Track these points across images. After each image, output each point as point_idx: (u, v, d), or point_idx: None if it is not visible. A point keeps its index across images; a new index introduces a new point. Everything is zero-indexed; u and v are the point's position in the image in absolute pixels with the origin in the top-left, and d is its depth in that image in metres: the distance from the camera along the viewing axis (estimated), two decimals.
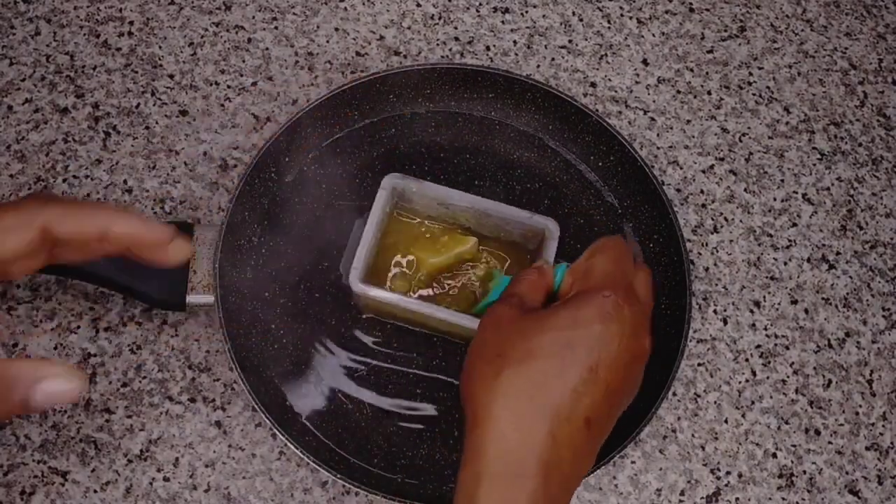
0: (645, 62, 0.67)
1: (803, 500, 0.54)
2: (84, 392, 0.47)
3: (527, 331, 0.40)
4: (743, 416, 0.55)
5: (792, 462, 0.55)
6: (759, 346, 0.58)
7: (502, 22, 0.67)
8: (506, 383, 0.38)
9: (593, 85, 0.65)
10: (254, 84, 0.63)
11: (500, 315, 0.42)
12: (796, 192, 0.63)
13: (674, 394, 0.56)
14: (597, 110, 0.64)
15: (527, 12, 0.68)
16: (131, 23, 0.64)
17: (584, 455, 0.39)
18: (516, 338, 0.40)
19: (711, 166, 0.63)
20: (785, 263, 0.61)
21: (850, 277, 0.61)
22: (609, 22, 0.68)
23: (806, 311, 0.59)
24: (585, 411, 0.38)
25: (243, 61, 0.63)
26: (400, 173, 0.54)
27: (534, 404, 0.38)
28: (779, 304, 0.59)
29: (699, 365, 0.57)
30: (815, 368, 0.57)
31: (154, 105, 0.61)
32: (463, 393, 0.40)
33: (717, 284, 0.59)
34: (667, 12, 0.70)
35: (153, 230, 0.40)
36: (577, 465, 0.39)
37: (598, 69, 0.66)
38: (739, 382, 0.56)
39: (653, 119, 0.65)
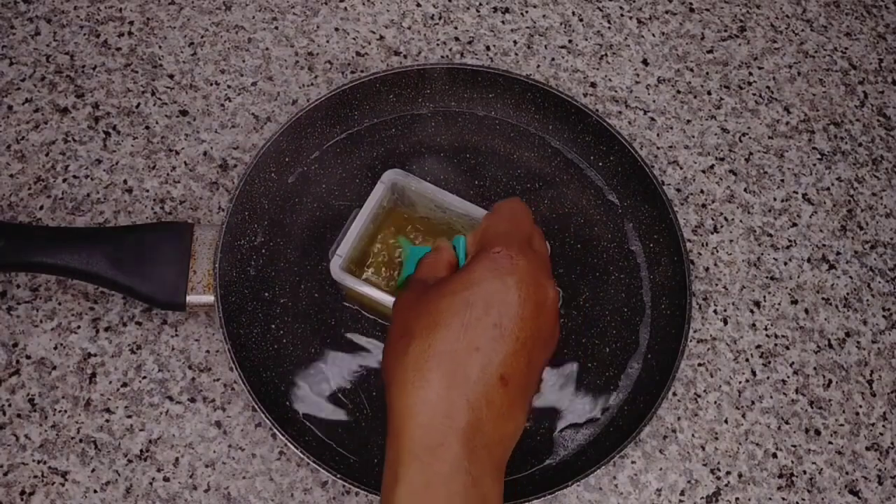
0: (645, 62, 0.67)
1: (803, 500, 0.54)
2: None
3: (428, 303, 0.40)
4: (743, 416, 0.55)
5: (792, 462, 0.55)
6: (759, 346, 0.58)
7: (502, 22, 0.67)
8: (413, 358, 0.38)
9: (593, 85, 0.65)
10: (254, 84, 0.63)
11: (406, 297, 0.42)
12: (796, 192, 0.63)
13: (674, 394, 0.56)
14: (597, 110, 0.64)
15: (527, 12, 0.68)
16: (131, 23, 0.64)
17: (506, 413, 0.38)
18: (420, 311, 0.40)
19: (711, 166, 0.63)
20: (785, 263, 0.61)
21: (851, 277, 0.61)
22: (609, 22, 0.68)
23: (806, 311, 0.59)
24: (498, 368, 0.38)
25: (243, 61, 0.64)
26: (402, 170, 0.54)
27: (441, 372, 0.37)
28: (779, 304, 0.59)
29: (699, 365, 0.57)
30: (815, 368, 0.57)
31: (154, 105, 0.61)
32: (383, 378, 0.40)
33: (717, 284, 0.59)
34: (667, 12, 0.70)
35: None
36: (500, 424, 0.38)
37: (598, 69, 0.66)
38: (739, 382, 0.56)
39: (653, 119, 0.65)
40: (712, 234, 0.61)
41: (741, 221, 0.62)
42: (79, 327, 0.54)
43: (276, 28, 0.65)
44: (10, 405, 0.52)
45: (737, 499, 0.53)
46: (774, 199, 0.63)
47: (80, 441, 0.51)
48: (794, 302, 0.59)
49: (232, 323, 0.52)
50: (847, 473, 0.55)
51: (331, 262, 0.51)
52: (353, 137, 0.60)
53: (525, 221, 0.44)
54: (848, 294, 0.60)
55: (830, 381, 0.57)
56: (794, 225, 0.62)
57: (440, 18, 0.67)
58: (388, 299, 0.50)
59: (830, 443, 0.55)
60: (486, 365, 0.38)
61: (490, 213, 0.45)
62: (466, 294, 0.39)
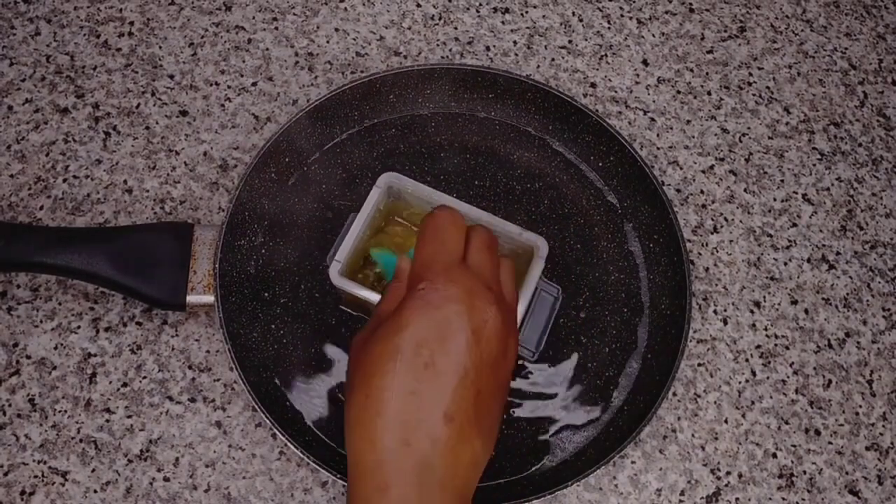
0: (645, 62, 0.67)
1: (803, 500, 0.54)
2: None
3: (367, 350, 0.39)
4: (743, 416, 0.55)
5: (792, 462, 0.55)
6: (759, 347, 0.58)
7: (502, 22, 0.67)
8: (355, 409, 0.38)
9: (593, 85, 0.65)
10: (254, 84, 0.63)
11: (358, 338, 0.41)
12: (796, 193, 0.63)
13: (674, 394, 0.56)
14: (597, 110, 0.64)
15: (527, 12, 0.68)
16: (131, 23, 0.64)
17: (456, 447, 0.37)
18: (360, 359, 0.39)
19: (711, 166, 0.63)
20: (785, 264, 0.61)
21: (850, 277, 0.61)
22: (609, 22, 0.68)
23: (806, 311, 0.59)
24: (438, 407, 0.37)
25: (243, 61, 0.64)
26: (397, 173, 0.53)
27: (381, 420, 0.37)
28: (779, 304, 0.59)
29: (699, 365, 0.57)
30: (815, 368, 0.57)
31: (154, 105, 0.61)
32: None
33: (717, 284, 0.59)
34: (667, 12, 0.70)
35: None
36: (452, 459, 0.37)
37: (598, 69, 0.66)
38: (739, 382, 0.56)
39: (653, 119, 0.65)
40: (712, 234, 0.61)
41: (741, 222, 0.62)
42: (79, 327, 0.54)
43: (276, 28, 0.65)
44: (10, 405, 0.52)
45: (737, 499, 0.53)
46: (774, 200, 0.63)
47: (80, 441, 0.51)
48: (794, 302, 0.59)
49: (232, 323, 0.52)
50: (847, 473, 0.55)
51: (329, 268, 0.51)
52: (353, 137, 0.60)
53: (452, 237, 0.42)
54: (848, 294, 0.60)
55: (830, 381, 0.57)
56: (794, 225, 0.62)
57: (440, 19, 0.67)
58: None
59: (830, 443, 0.55)
60: (424, 407, 0.37)
61: (419, 236, 0.43)
62: (396, 339, 0.38)
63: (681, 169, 0.63)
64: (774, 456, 0.55)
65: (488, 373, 0.39)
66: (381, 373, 0.38)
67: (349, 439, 0.38)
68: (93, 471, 0.50)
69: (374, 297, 0.50)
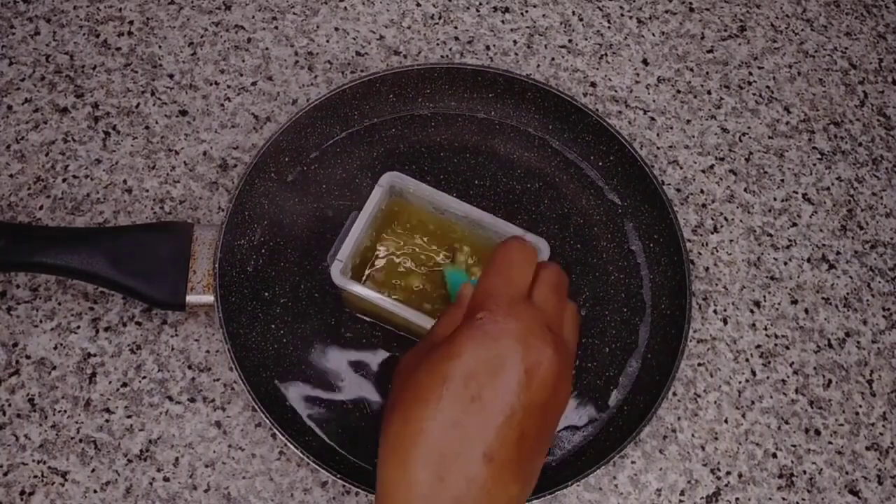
0: (645, 62, 0.67)
1: (803, 500, 0.54)
2: None
3: (415, 374, 0.37)
4: (743, 416, 0.55)
5: (792, 462, 0.55)
6: (759, 346, 0.58)
7: (502, 22, 0.67)
8: (392, 433, 0.36)
9: (593, 85, 0.65)
10: (254, 84, 0.63)
11: (406, 360, 0.40)
12: (796, 192, 0.63)
13: (674, 394, 0.56)
14: (597, 110, 0.64)
15: (527, 12, 0.68)
16: (131, 22, 0.64)
17: (492, 493, 0.35)
18: (406, 382, 0.38)
19: (711, 166, 0.63)
20: (785, 263, 0.61)
21: (850, 277, 0.61)
22: (609, 22, 0.68)
23: (806, 311, 0.59)
24: (479, 445, 0.35)
25: (243, 61, 0.63)
26: (399, 172, 0.53)
27: (417, 449, 0.35)
28: (779, 304, 0.59)
29: (699, 365, 0.57)
30: (815, 368, 0.57)
31: (154, 105, 0.61)
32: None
33: (717, 284, 0.59)
34: (667, 12, 0.70)
35: None
36: (486, 502, 0.35)
37: (598, 69, 0.66)
38: (739, 382, 0.56)
39: (653, 119, 0.65)
40: (712, 234, 0.61)
41: (741, 221, 0.62)
42: (79, 327, 0.54)
43: (276, 28, 0.65)
44: (10, 405, 0.52)
45: (737, 499, 0.53)
46: (774, 199, 0.63)
47: (80, 441, 0.51)
48: (794, 302, 0.59)
49: (232, 323, 0.52)
50: (847, 473, 0.55)
51: (331, 267, 0.50)
52: (352, 137, 0.60)
53: (520, 271, 0.40)
54: (848, 294, 0.60)
55: (830, 381, 0.57)
56: (794, 225, 0.62)
57: (440, 18, 0.67)
58: (389, 304, 0.50)
59: (830, 443, 0.55)
60: (465, 442, 0.35)
61: (486, 264, 0.41)
62: (445, 367, 0.36)
63: (681, 168, 0.63)
64: (774, 456, 0.55)
65: (536, 416, 0.37)
66: (425, 400, 0.36)
67: (382, 466, 0.36)
68: (92, 471, 0.50)
69: (374, 295, 0.50)
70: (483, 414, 0.36)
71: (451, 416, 0.36)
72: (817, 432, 0.56)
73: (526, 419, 0.36)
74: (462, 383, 0.36)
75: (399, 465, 0.36)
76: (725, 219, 0.62)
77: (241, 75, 0.63)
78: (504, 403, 0.36)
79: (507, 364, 0.36)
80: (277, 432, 0.48)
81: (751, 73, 0.68)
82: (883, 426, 0.56)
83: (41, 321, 0.54)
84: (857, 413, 0.56)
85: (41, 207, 0.57)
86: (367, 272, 0.54)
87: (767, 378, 0.57)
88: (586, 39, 0.67)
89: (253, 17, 0.65)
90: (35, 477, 0.50)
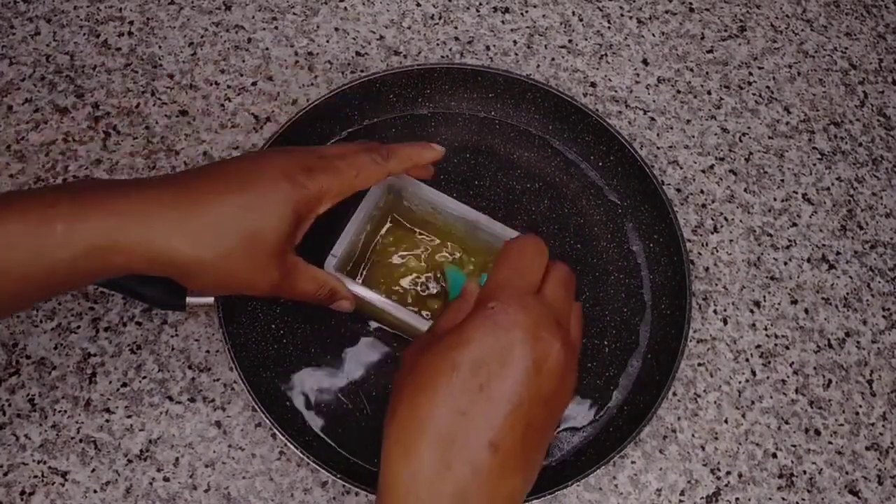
0: (645, 62, 0.67)
1: (803, 500, 0.54)
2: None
3: (421, 362, 0.38)
4: (743, 416, 0.55)
5: (792, 462, 0.55)
6: (759, 346, 0.58)
7: (502, 22, 0.67)
8: (398, 421, 0.37)
9: (593, 85, 0.65)
10: (254, 84, 0.63)
11: (411, 350, 0.40)
12: (796, 192, 0.63)
13: (674, 394, 0.56)
14: (597, 110, 0.64)
15: (527, 12, 0.68)
16: (131, 23, 0.64)
17: (497, 480, 0.36)
18: (412, 370, 0.38)
19: (711, 166, 0.63)
20: (785, 263, 0.61)
21: (850, 277, 0.61)
22: (609, 22, 0.68)
23: (806, 311, 0.59)
24: (486, 433, 0.35)
25: (243, 61, 0.63)
26: None
27: (424, 437, 0.36)
28: (779, 304, 0.59)
29: (699, 365, 0.57)
30: (815, 368, 0.57)
31: (154, 105, 0.61)
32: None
33: (717, 284, 0.59)
34: (667, 12, 0.70)
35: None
36: (491, 491, 0.36)
37: (598, 69, 0.66)
38: (739, 382, 0.56)
39: (653, 119, 0.65)
40: (712, 234, 0.61)
41: (741, 221, 0.62)
42: (79, 327, 0.54)
43: (276, 28, 0.65)
44: (10, 405, 0.52)
45: (737, 499, 0.53)
46: (774, 199, 0.63)
47: (80, 441, 0.51)
48: (794, 302, 0.59)
49: (232, 323, 0.52)
50: (847, 473, 0.55)
51: (325, 262, 0.50)
52: (353, 137, 0.60)
53: (532, 266, 0.41)
54: (848, 294, 0.60)
55: (830, 381, 0.57)
56: (794, 225, 0.62)
57: (440, 18, 0.67)
58: (381, 300, 0.50)
59: (830, 443, 0.55)
60: (472, 430, 0.35)
61: (497, 257, 0.42)
62: (454, 354, 0.36)
63: (681, 168, 0.63)
64: (774, 456, 0.55)
65: (542, 408, 0.37)
66: (433, 387, 0.36)
67: (387, 452, 0.37)
68: (93, 471, 0.50)
69: (367, 293, 0.50)
70: (491, 403, 0.36)
71: (458, 404, 0.36)
72: (817, 432, 0.56)
73: (532, 410, 0.37)
74: (471, 371, 0.36)
75: (405, 451, 0.36)
76: (725, 219, 0.62)
77: (242, 75, 0.63)
78: (512, 393, 0.36)
79: (516, 354, 0.37)
80: (277, 432, 0.48)
81: (751, 74, 0.68)
82: (883, 426, 0.56)
83: (41, 321, 0.54)
84: (857, 413, 0.56)
85: None
86: (362, 271, 0.54)
87: (767, 378, 0.57)
88: (586, 40, 0.67)
89: (253, 17, 0.65)
90: (35, 477, 0.50)
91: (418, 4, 0.67)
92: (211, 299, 0.52)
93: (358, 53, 0.65)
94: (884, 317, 0.60)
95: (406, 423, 0.36)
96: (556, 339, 0.38)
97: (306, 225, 0.44)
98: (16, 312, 0.43)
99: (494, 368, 0.36)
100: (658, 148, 0.64)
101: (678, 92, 0.66)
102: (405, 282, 0.54)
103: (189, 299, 0.52)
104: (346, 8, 0.67)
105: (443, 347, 0.37)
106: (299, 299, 0.46)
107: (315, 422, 0.52)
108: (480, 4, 0.68)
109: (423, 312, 0.53)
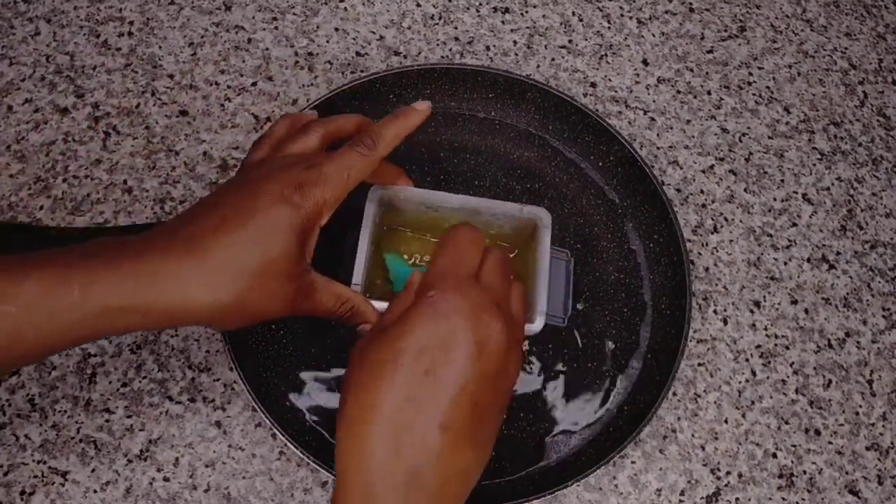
0: (645, 62, 0.67)
1: (803, 500, 0.54)
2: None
3: (367, 355, 0.39)
4: (743, 416, 0.55)
5: (792, 462, 0.55)
6: (759, 346, 0.58)
7: (502, 22, 0.67)
8: (348, 412, 0.38)
9: (593, 85, 0.65)
10: (254, 84, 0.63)
11: (358, 346, 0.41)
12: (796, 192, 0.63)
13: (674, 394, 0.56)
14: (597, 110, 0.64)
15: (527, 12, 0.68)
16: (131, 23, 0.64)
17: (448, 457, 0.37)
18: (358, 363, 0.39)
19: (711, 166, 0.63)
20: (785, 263, 0.61)
21: (850, 277, 0.61)
22: (609, 22, 0.68)
23: (806, 311, 0.59)
24: (435, 416, 0.37)
25: (243, 61, 0.64)
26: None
27: (373, 425, 0.37)
28: (779, 304, 0.59)
29: (699, 365, 0.57)
30: (815, 368, 0.57)
31: (154, 105, 0.61)
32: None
33: (717, 284, 0.59)
34: (667, 12, 0.70)
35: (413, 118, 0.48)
36: (444, 469, 0.37)
37: (598, 69, 0.66)
38: (739, 382, 0.56)
39: (653, 119, 0.65)
40: (712, 234, 0.61)
41: (741, 221, 0.62)
42: None
43: (276, 28, 0.65)
44: (10, 405, 0.52)
45: (737, 499, 0.53)
46: (774, 199, 0.63)
47: (80, 441, 0.51)
48: (794, 302, 0.59)
49: None
50: (847, 473, 0.55)
51: None
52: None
53: (468, 254, 0.43)
54: (848, 294, 0.60)
55: (830, 381, 0.57)
56: (794, 225, 0.62)
57: (440, 18, 0.67)
58: None
59: (830, 443, 0.55)
60: (420, 414, 0.37)
61: (435, 248, 0.44)
62: (398, 343, 0.38)
63: (681, 169, 0.63)
64: (774, 456, 0.55)
65: (488, 387, 0.39)
66: (379, 377, 0.38)
67: (339, 444, 0.38)
68: (93, 471, 0.50)
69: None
70: (437, 387, 0.37)
71: (405, 391, 0.37)
72: (817, 432, 0.56)
73: (478, 389, 0.38)
74: (415, 358, 0.38)
75: (356, 441, 0.37)
76: (725, 219, 0.62)
77: (242, 75, 0.63)
78: (457, 375, 0.38)
79: (458, 338, 0.38)
80: (277, 432, 0.48)
81: (751, 74, 0.68)
82: (883, 426, 0.56)
83: None
84: (857, 413, 0.56)
85: (41, 207, 0.57)
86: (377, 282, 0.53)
87: (767, 378, 0.57)
88: (586, 40, 0.67)
89: (253, 17, 0.65)
90: (35, 477, 0.50)
91: (418, 4, 0.67)
92: None
93: (358, 53, 0.65)
94: (884, 317, 0.60)
95: (355, 413, 0.38)
96: (496, 320, 0.39)
97: (313, 240, 0.44)
98: (22, 367, 0.43)
99: (438, 354, 0.38)
100: (658, 148, 0.64)
101: (678, 92, 0.66)
102: None
103: None
104: (346, 8, 0.67)
105: (387, 338, 0.39)
106: (321, 316, 0.46)
107: (315, 422, 0.52)
108: (480, 4, 0.68)
109: None
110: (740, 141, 0.65)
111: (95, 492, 0.50)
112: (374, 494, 0.36)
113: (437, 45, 0.66)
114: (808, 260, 0.61)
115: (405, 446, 0.37)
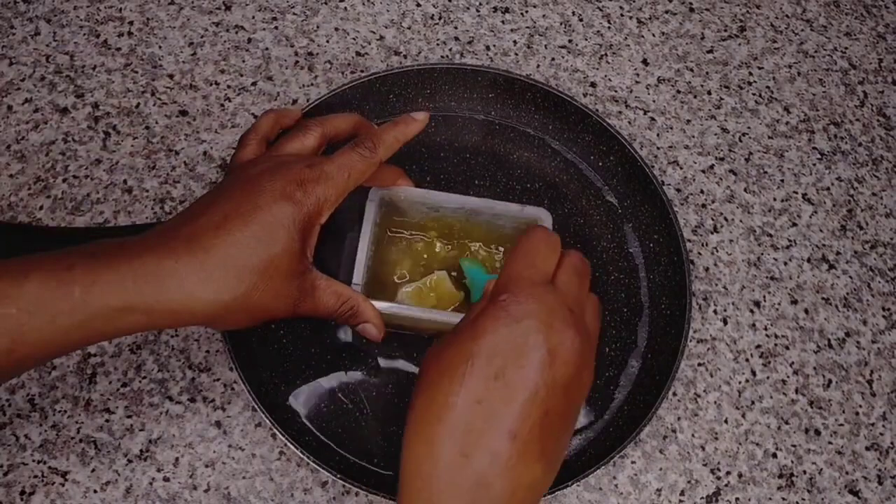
0: (645, 62, 0.67)
1: (803, 500, 0.54)
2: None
3: (436, 358, 0.38)
4: (743, 416, 0.55)
5: (792, 462, 0.55)
6: (759, 346, 0.58)
7: (502, 22, 0.67)
8: (417, 412, 0.37)
9: (593, 85, 0.65)
10: (254, 84, 0.63)
11: (433, 347, 0.40)
12: (796, 192, 0.63)
13: (674, 394, 0.56)
14: (597, 110, 0.64)
15: (527, 12, 0.68)
16: (131, 23, 0.64)
17: (516, 466, 0.36)
18: (431, 364, 0.38)
19: (711, 166, 0.63)
20: (785, 263, 0.61)
21: (850, 277, 0.61)
22: (609, 22, 0.68)
23: (806, 311, 0.59)
24: (503, 422, 0.36)
25: (243, 61, 0.64)
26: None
27: (442, 426, 0.36)
28: (779, 304, 0.59)
29: (699, 365, 0.57)
30: (815, 368, 0.57)
31: (154, 105, 0.61)
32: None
33: (717, 284, 0.59)
34: (667, 12, 0.70)
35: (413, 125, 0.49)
36: (511, 479, 0.36)
37: (598, 69, 0.66)
38: (739, 382, 0.56)
39: (653, 119, 0.65)
40: (712, 234, 0.61)
41: (741, 221, 0.62)
42: None
43: (276, 28, 0.65)
44: (10, 405, 0.52)
45: (737, 499, 0.53)
46: (774, 199, 0.63)
47: (80, 441, 0.51)
48: (794, 302, 0.59)
49: None
50: (847, 473, 0.55)
51: None
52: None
53: (543, 257, 0.41)
54: (848, 294, 0.60)
55: (830, 381, 0.57)
56: (794, 225, 0.62)
57: (440, 18, 0.67)
58: (421, 311, 0.50)
59: (830, 443, 0.55)
60: (489, 419, 0.36)
61: (510, 250, 0.42)
62: (470, 345, 0.37)
63: (681, 169, 0.63)
64: (774, 456, 0.55)
65: (559, 395, 0.37)
66: (449, 377, 0.37)
67: (407, 443, 0.37)
68: (93, 471, 0.50)
69: (404, 309, 0.49)
70: (507, 392, 0.36)
71: (475, 393, 0.36)
72: (817, 432, 0.56)
73: (550, 398, 0.37)
74: (485, 361, 0.36)
75: (424, 441, 0.36)
76: (725, 219, 0.62)
77: (242, 75, 0.63)
78: (528, 381, 0.36)
79: (531, 343, 0.37)
80: (277, 432, 0.48)
81: (751, 74, 0.68)
82: (883, 426, 0.56)
83: None
84: (857, 413, 0.56)
85: (41, 207, 0.57)
86: (400, 290, 0.53)
87: (767, 378, 0.57)
88: (586, 40, 0.67)
89: (253, 17, 0.65)
90: (35, 477, 0.50)
91: (418, 4, 0.67)
92: None
93: (358, 53, 0.65)
94: (884, 317, 0.60)
95: (425, 413, 0.37)
96: (570, 328, 0.38)
97: (313, 238, 0.44)
98: (23, 373, 0.43)
99: (510, 358, 0.37)
100: (658, 148, 0.64)
101: (678, 92, 0.66)
102: (433, 286, 0.54)
103: None
104: (346, 8, 0.67)
105: (458, 340, 0.38)
106: (322, 316, 0.45)
107: (315, 422, 0.52)
108: (480, 4, 0.68)
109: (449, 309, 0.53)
110: (740, 141, 0.65)
111: (95, 492, 0.50)
112: (439, 500, 0.35)
113: (437, 44, 0.66)
114: (808, 260, 0.61)
115: (473, 450, 0.35)
